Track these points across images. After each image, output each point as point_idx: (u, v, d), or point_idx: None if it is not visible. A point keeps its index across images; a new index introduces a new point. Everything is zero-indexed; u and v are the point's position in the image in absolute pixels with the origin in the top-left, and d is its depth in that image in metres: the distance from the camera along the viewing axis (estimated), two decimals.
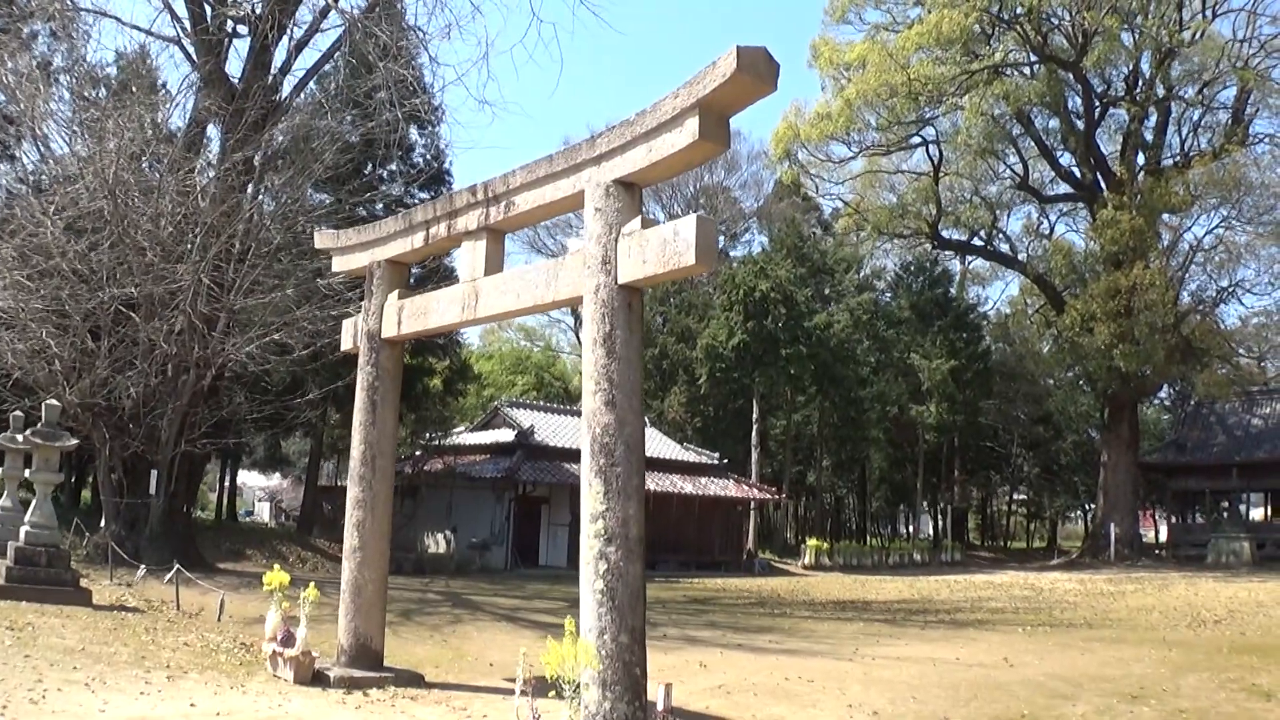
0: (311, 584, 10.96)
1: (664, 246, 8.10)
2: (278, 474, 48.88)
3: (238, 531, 31.85)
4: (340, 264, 12.85)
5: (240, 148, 20.85)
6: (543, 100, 77.29)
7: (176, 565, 16.84)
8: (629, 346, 8.44)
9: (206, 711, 8.96)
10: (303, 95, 25.90)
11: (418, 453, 38.22)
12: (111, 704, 8.82)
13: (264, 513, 51.96)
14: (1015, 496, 70.29)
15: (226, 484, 43.21)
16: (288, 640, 11.07)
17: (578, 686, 7.21)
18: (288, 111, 24.05)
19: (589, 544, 8.16)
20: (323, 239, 13.23)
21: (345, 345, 12.88)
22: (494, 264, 10.26)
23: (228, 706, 9.24)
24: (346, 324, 12.83)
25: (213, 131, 25.97)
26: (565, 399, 55.56)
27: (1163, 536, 59.07)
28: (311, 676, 10.88)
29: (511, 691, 11.59)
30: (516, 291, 9.70)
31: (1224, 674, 14.61)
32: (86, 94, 22.88)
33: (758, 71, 7.75)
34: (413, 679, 11.46)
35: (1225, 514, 48.38)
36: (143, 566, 18.66)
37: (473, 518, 35.52)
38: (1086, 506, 70.65)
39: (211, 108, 22.31)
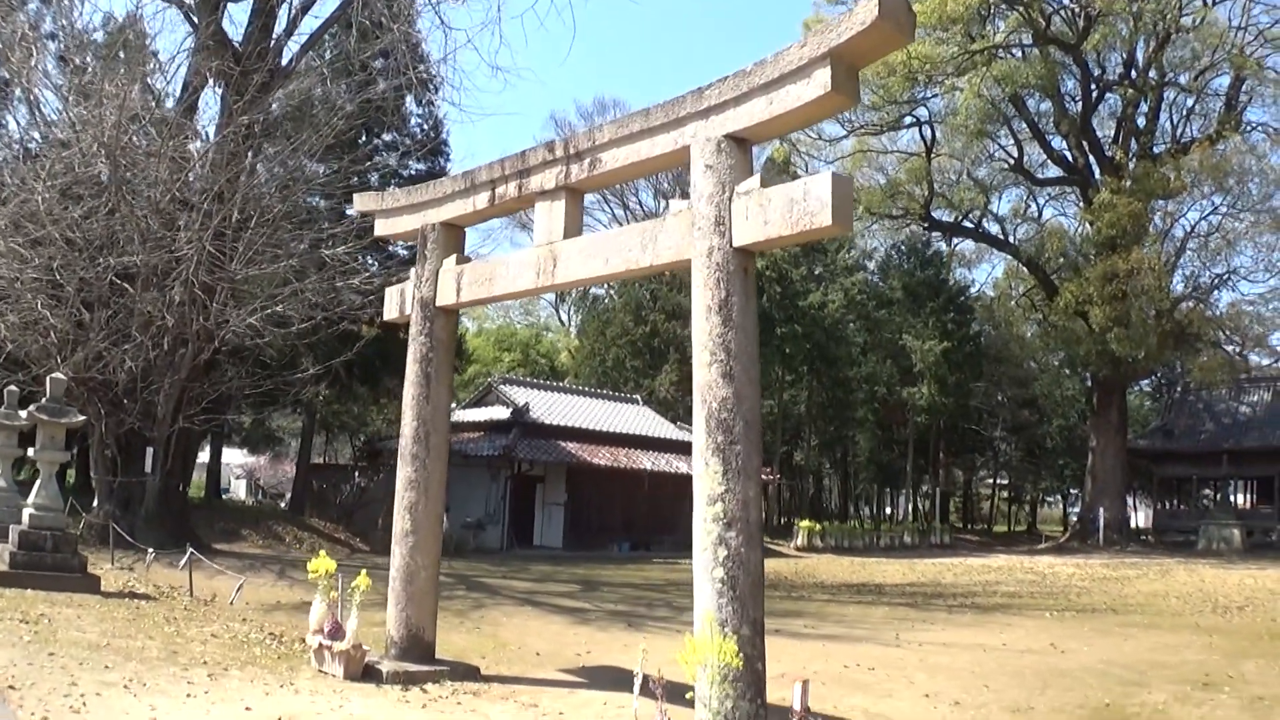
0: (363, 572, 10.16)
1: (791, 207, 7.43)
2: (255, 451, 47.73)
3: (228, 511, 30.88)
4: (385, 227, 12.01)
5: (247, 111, 19.87)
6: (553, 70, 75.56)
7: (190, 550, 15.99)
8: (746, 314, 7.78)
9: (266, 715, 8.18)
10: (306, 60, 24.83)
11: None
12: (160, 709, 8.01)
13: (239, 490, 50.74)
14: (996, 480, 70.22)
15: (210, 461, 41.95)
16: (335, 633, 10.28)
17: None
18: (291, 75, 23.05)
19: (705, 529, 7.49)
20: (364, 201, 12.41)
21: (389, 314, 12.05)
22: (574, 226, 9.53)
23: (286, 709, 8.47)
24: (391, 292, 12.02)
25: (211, 98, 24.97)
26: (551, 375, 54.77)
27: (1142, 522, 59.28)
28: (362, 671, 10.14)
29: (572, 685, 11.02)
30: (605, 255, 8.97)
31: None
32: (76, 58, 21.77)
33: (898, 20, 7.16)
34: (468, 672, 10.74)
35: (1215, 501, 48.40)
36: (151, 550, 17.77)
37: (466, 497, 34.71)
38: (1068, 491, 70.80)
39: (216, 67, 21.33)
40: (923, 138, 50.59)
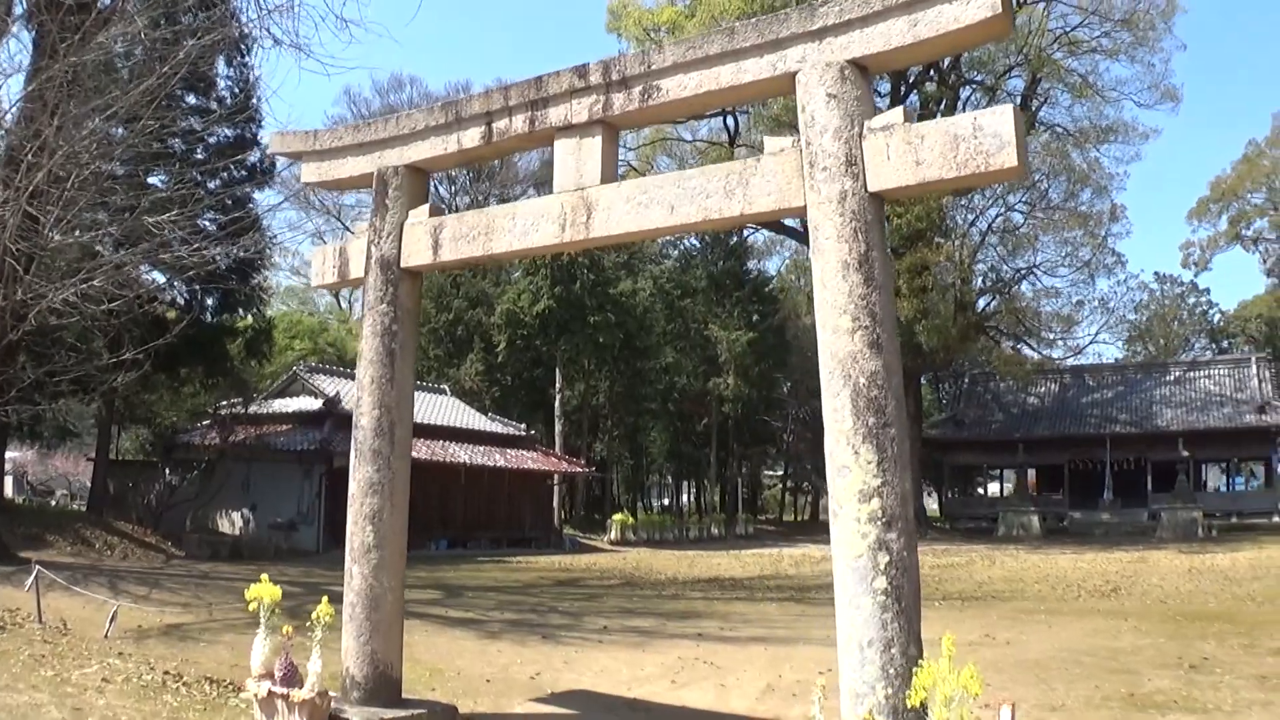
0: (325, 599, 8.14)
1: (955, 145, 6.23)
2: (49, 446, 42.71)
3: (24, 514, 26.91)
4: (318, 173, 9.90)
5: (71, 53, 16.87)
6: (403, 30, 71.20)
7: (37, 567, 13.28)
8: (887, 272, 6.54)
9: None
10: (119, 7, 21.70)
11: (205, 423, 34.11)
12: None
13: (6, 487, 45.25)
14: (780, 470, 71.35)
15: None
16: (290, 677, 8.20)
17: None
18: (109, 21, 19.98)
19: (859, 530, 6.19)
20: (286, 141, 10.27)
21: (321, 279, 10.00)
22: (610, 169, 7.95)
23: None
24: (325, 252, 10.01)
25: (13, 46, 21.49)
26: (342, 364, 51.74)
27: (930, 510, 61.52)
28: None
29: (564, 718, 9.48)
30: (669, 204, 7.45)
31: (1227, 641, 14.10)
32: None
33: None
34: (447, 713, 8.92)
35: (1012, 489, 50.54)
36: None
37: (274, 494, 31.90)
38: None
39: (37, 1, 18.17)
40: (727, 128, 50.47)
